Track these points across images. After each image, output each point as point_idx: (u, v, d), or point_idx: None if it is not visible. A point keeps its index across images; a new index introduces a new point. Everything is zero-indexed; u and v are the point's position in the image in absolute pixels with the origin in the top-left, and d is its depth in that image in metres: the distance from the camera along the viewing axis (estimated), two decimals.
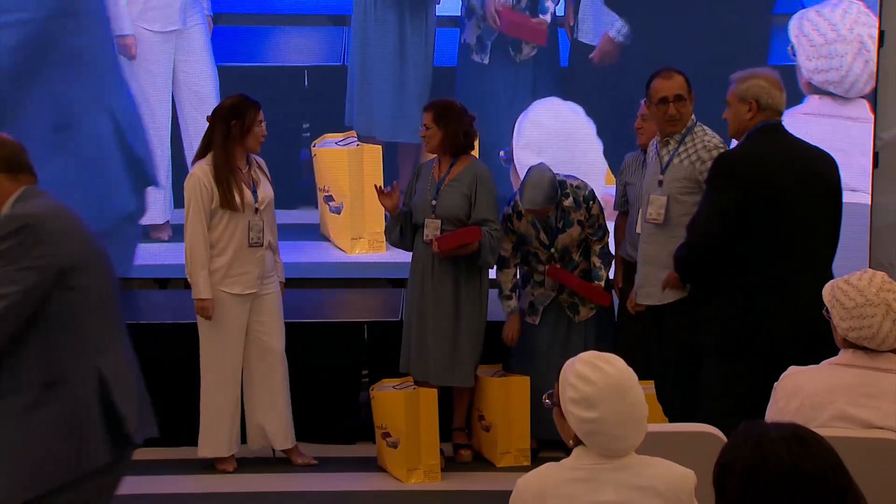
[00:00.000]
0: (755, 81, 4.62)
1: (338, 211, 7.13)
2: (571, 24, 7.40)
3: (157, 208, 7.24)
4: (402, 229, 6.09)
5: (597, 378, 2.78)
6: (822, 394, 3.39)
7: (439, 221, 6.00)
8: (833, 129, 7.04)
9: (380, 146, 7.21)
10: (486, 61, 7.26)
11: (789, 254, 4.50)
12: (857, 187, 7.17)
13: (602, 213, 6.18)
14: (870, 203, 7.21)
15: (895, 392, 3.40)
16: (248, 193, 5.81)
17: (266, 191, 5.91)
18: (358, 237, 7.12)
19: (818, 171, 4.64)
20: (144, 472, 5.71)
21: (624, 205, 6.18)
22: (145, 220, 7.23)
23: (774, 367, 3.65)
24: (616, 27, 7.28)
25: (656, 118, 5.25)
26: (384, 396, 5.94)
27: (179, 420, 6.07)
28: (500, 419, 6.08)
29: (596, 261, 6.17)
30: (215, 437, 5.95)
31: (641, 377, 2.88)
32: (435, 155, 6.10)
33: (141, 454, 3.87)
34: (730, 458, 2.40)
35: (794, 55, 7.24)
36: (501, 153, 7.28)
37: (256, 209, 5.85)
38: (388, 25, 7.17)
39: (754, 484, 2.35)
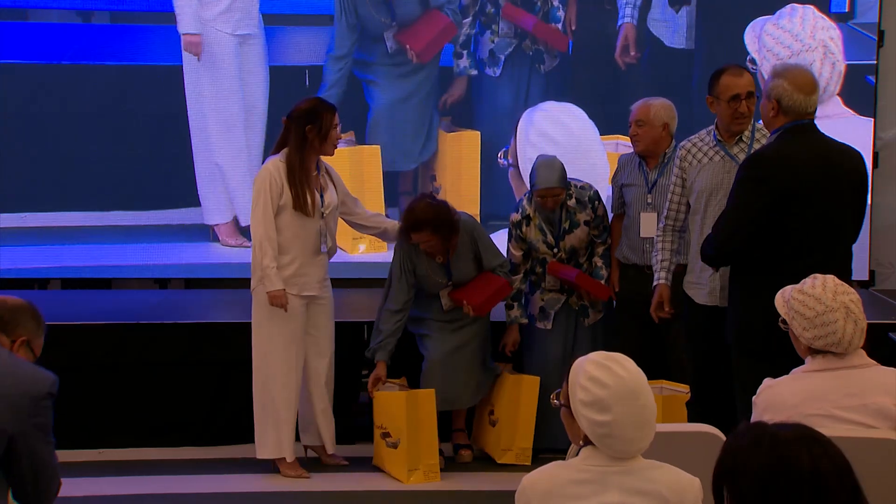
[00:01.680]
0: (779, 82, 4.54)
1: None
2: (573, 27, 7.42)
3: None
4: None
5: (609, 381, 2.76)
6: (805, 403, 3.38)
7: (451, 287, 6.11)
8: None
9: (378, 146, 7.21)
10: (498, 74, 7.33)
11: (813, 254, 4.47)
12: None
13: (606, 214, 6.19)
14: (869, 203, 7.20)
15: (875, 384, 3.40)
16: (317, 198, 5.80)
17: (332, 197, 5.89)
18: (359, 237, 7.13)
19: (844, 171, 4.59)
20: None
21: (620, 207, 6.15)
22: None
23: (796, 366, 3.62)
24: (627, 13, 7.32)
25: (723, 115, 5.12)
26: (385, 397, 5.95)
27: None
28: (507, 415, 6.09)
29: (598, 261, 6.18)
30: (275, 438, 5.88)
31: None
32: None
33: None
34: (741, 461, 2.38)
35: (756, 67, 7.22)
36: (500, 156, 7.30)
37: (322, 214, 5.84)
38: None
39: (774, 486, 2.33)
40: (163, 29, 7.40)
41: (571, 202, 6.10)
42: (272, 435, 5.85)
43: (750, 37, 7.33)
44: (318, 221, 5.82)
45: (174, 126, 7.36)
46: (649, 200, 5.97)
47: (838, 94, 7.37)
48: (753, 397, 3.48)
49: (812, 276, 3.51)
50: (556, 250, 6.15)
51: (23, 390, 3.34)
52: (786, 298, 3.50)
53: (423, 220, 5.88)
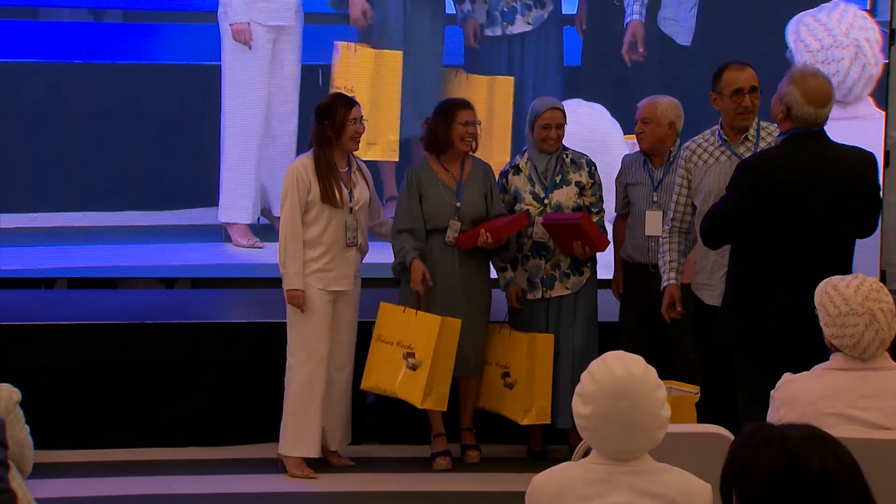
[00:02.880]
0: (792, 90, 4.49)
1: None
2: (584, 26, 7.39)
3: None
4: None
5: (602, 377, 2.78)
6: (821, 400, 3.38)
7: (459, 224, 6.05)
8: (843, 132, 6.98)
9: (400, 52, 7.26)
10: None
11: (812, 257, 4.44)
12: None
13: (601, 188, 6.18)
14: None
15: (894, 388, 3.39)
16: (344, 192, 5.87)
17: (362, 193, 5.96)
18: (373, 143, 7.13)
19: (844, 176, 4.53)
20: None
21: (625, 207, 6.13)
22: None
23: (795, 366, 3.61)
24: (635, 10, 7.30)
25: (727, 111, 5.10)
26: (422, 317, 5.87)
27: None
28: (525, 376, 6.04)
29: None
30: (306, 436, 5.87)
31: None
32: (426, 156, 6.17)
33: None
34: (749, 462, 2.37)
35: (792, 61, 7.20)
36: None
37: (351, 209, 5.89)
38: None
39: (784, 488, 2.32)
40: (173, 27, 7.38)
41: (568, 160, 6.11)
42: (304, 433, 5.87)
43: (791, 29, 7.29)
44: (347, 216, 5.88)
45: (185, 125, 7.34)
46: (655, 199, 5.95)
47: (871, 96, 7.30)
48: (772, 392, 3.47)
49: (855, 274, 3.50)
50: (543, 203, 6.10)
51: None
52: (823, 288, 3.49)
53: (468, 101, 6.10)
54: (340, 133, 5.84)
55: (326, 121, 5.84)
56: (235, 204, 7.36)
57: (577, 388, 2.81)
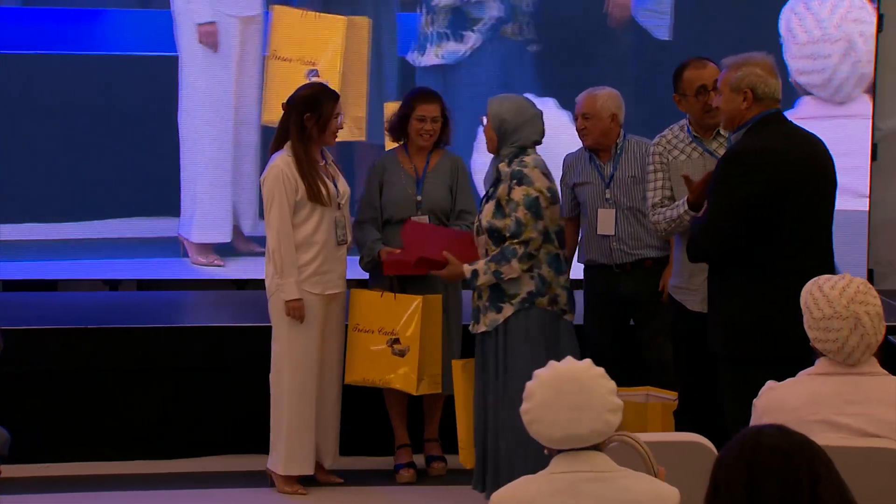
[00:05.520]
0: (750, 69, 4.43)
1: None
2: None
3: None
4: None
5: (543, 372, 2.84)
6: (805, 407, 3.33)
7: (426, 217, 5.82)
8: (832, 131, 6.81)
9: (368, 19, 7.10)
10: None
11: (803, 253, 4.38)
12: (864, 191, 6.96)
13: (533, 214, 5.12)
14: (868, 198, 7.03)
15: (881, 394, 3.35)
16: (330, 186, 5.67)
17: (345, 185, 5.78)
18: None
19: (823, 163, 4.52)
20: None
21: (574, 209, 5.92)
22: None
23: (790, 373, 3.54)
24: None
25: (693, 111, 5.06)
26: (402, 299, 5.66)
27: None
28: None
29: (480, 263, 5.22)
30: (301, 453, 5.67)
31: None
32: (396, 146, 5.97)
33: None
34: (728, 475, 2.38)
35: (783, 51, 7.08)
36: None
37: (339, 204, 5.70)
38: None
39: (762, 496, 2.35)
40: (124, 14, 7.14)
41: (502, 164, 5.22)
42: (299, 450, 5.67)
43: (783, 17, 7.14)
44: (335, 212, 5.68)
45: (136, 124, 7.10)
46: (608, 196, 5.75)
47: (866, 93, 7.14)
48: (754, 400, 3.44)
49: (842, 275, 3.45)
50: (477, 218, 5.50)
51: None
52: (809, 288, 3.45)
53: (435, 94, 5.83)
54: (324, 129, 5.60)
55: (309, 114, 5.57)
56: (213, 224, 7.13)
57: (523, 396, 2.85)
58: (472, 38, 7.21)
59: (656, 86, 6.55)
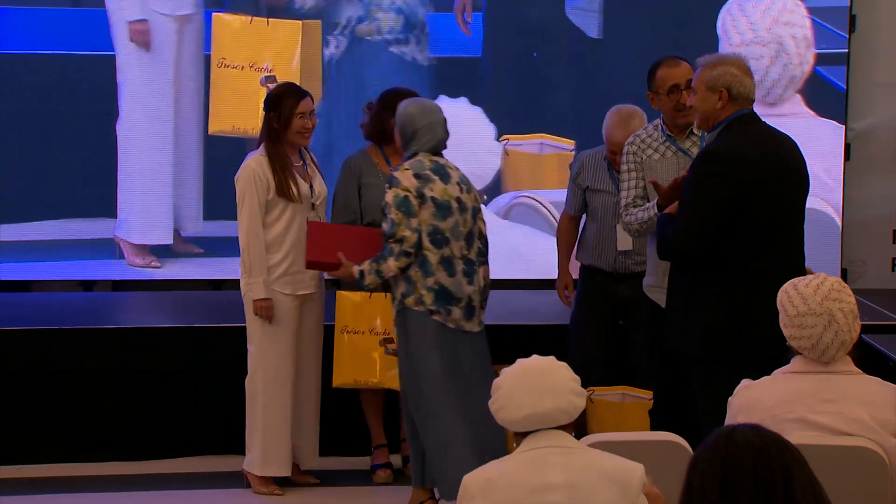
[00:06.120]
0: (725, 69, 4.43)
1: None
2: (469, 20, 7.16)
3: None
4: None
5: (508, 369, 2.95)
6: (780, 405, 3.34)
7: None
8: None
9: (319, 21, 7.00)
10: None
11: (774, 251, 4.39)
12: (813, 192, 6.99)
13: (404, 213, 5.17)
14: (841, 197, 7.05)
15: (855, 393, 3.35)
16: (303, 185, 5.63)
17: (322, 186, 5.75)
18: None
19: (795, 163, 4.53)
20: None
21: (582, 209, 5.90)
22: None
23: (764, 372, 3.53)
24: None
25: (666, 109, 5.04)
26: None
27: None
28: None
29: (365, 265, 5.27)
30: (277, 454, 5.64)
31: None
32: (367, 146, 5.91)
33: None
34: (703, 472, 2.39)
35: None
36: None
37: (313, 204, 5.66)
38: None
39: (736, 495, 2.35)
40: (59, 13, 7.05)
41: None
42: (275, 451, 5.64)
43: (720, 17, 7.14)
44: (310, 212, 5.65)
45: (72, 123, 7.02)
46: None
47: (799, 94, 7.16)
48: (730, 398, 3.44)
49: (817, 274, 3.45)
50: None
51: None
52: (784, 288, 3.45)
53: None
54: (286, 127, 5.57)
55: (272, 112, 5.58)
56: (153, 225, 7.01)
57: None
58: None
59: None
